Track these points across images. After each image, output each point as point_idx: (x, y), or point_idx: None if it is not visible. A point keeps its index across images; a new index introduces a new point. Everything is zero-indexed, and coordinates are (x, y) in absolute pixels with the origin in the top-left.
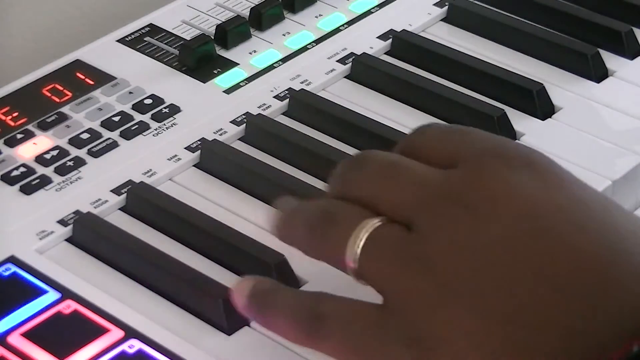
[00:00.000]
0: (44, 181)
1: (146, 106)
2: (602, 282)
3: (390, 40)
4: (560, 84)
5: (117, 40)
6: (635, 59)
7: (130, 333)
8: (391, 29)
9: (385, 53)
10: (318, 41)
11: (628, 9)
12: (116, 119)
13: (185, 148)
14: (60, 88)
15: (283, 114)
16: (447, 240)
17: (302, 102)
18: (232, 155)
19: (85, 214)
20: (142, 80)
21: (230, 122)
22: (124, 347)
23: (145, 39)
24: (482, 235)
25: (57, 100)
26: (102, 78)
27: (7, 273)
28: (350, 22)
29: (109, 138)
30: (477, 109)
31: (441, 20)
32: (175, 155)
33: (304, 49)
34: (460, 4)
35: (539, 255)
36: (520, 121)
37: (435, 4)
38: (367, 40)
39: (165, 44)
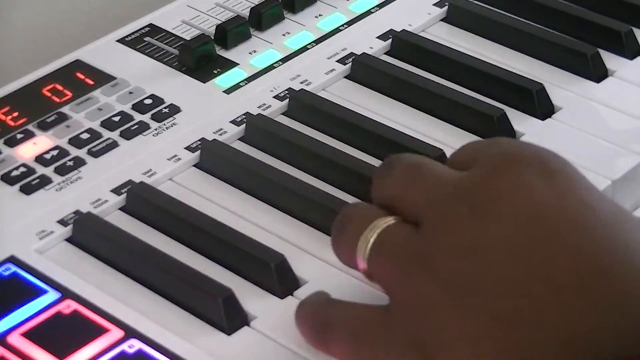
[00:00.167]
0: (44, 181)
1: (146, 106)
2: (605, 289)
3: (390, 40)
4: (560, 84)
5: (117, 40)
6: (635, 59)
7: (130, 333)
8: (391, 29)
9: (385, 53)
10: (318, 41)
11: (628, 9)
12: (116, 119)
13: (185, 148)
14: (60, 88)
15: (283, 114)
16: (450, 241)
17: (302, 102)
18: (232, 156)
19: (85, 214)
20: (142, 80)
21: (230, 122)
22: (124, 347)
23: (145, 39)
24: (485, 237)
25: (57, 100)
26: (102, 78)
27: (7, 273)
28: (350, 22)
29: (109, 138)
30: (477, 109)
31: (441, 20)
32: (175, 155)
33: (303, 49)
34: (460, 4)
35: (541, 259)
36: (520, 121)
37: (435, 4)
38: (367, 40)
39: (165, 44)
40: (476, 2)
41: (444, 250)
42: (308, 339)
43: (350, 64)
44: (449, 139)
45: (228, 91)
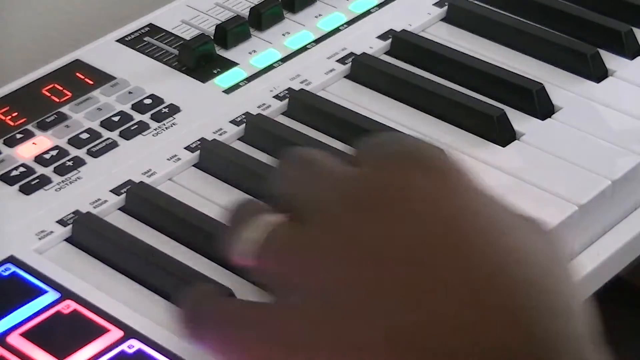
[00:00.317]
0: (44, 181)
1: (146, 106)
2: (474, 296)
3: (389, 40)
4: (560, 84)
5: (117, 40)
6: (635, 59)
7: (130, 333)
8: (391, 29)
9: (385, 53)
10: (318, 41)
11: (628, 9)
12: (116, 119)
13: (185, 148)
14: (60, 88)
15: (283, 113)
16: (325, 240)
17: (301, 102)
18: (231, 155)
19: (85, 214)
20: (141, 80)
21: (230, 122)
22: (124, 347)
23: (145, 39)
24: (360, 235)
25: (57, 100)
26: (102, 78)
27: (6, 273)
28: (350, 22)
29: (109, 138)
30: (477, 108)
31: (441, 20)
32: (175, 155)
33: (303, 48)
34: (460, 4)
35: (418, 258)
36: (519, 121)
37: (435, 4)
38: (366, 40)
39: (164, 44)
40: (476, 2)
41: (319, 249)
42: (183, 330)
43: (350, 63)
44: (449, 139)
45: (228, 91)
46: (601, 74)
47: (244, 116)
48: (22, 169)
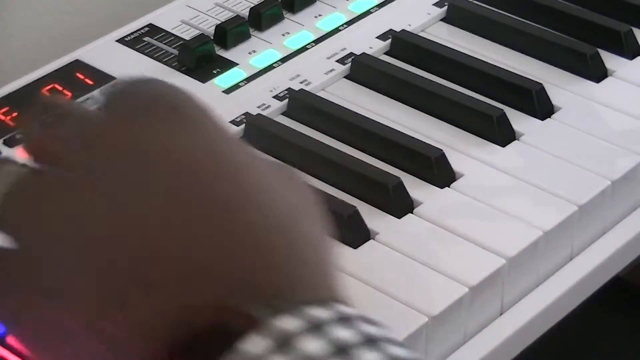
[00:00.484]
0: None
1: None
2: (221, 232)
3: (389, 40)
4: (559, 84)
5: (117, 40)
6: (635, 59)
7: None
8: (390, 29)
9: (384, 53)
10: (317, 41)
11: (628, 9)
12: None
13: None
14: (60, 88)
15: (282, 114)
16: (62, 188)
17: (301, 102)
18: None
19: None
20: None
21: (230, 122)
22: None
23: (144, 39)
24: (94, 183)
25: None
26: (102, 78)
27: None
28: (349, 22)
29: None
30: (477, 108)
31: (441, 20)
32: None
33: (303, 49)
34: (460, 4)
35: (158, 202)
36: (519, 121)
37: (434, 4)
38: (366, 40)
39: (164, 44)
40: (476, 2)
41: (58, 198)
42: None
43: (350, 64)
44: (449, 139)
45: (227, 91)
46: (601, 74)
47: (243, 116)
48: None
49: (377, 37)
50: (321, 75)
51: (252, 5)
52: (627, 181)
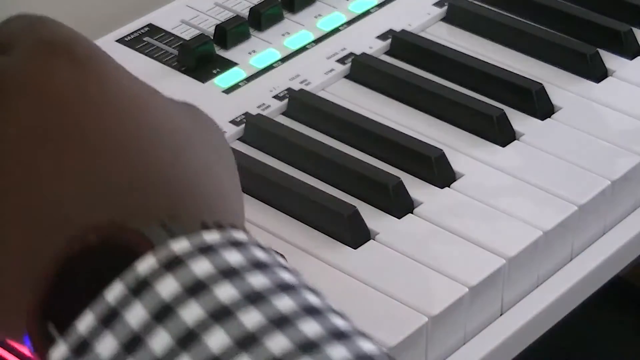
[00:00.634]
0: None
1: None
2: (118, 169)
3: (389, 40)
4: (559, 84)
5: (117, 40)
6: (635, 59)
7: None
8: (390, 29)
9: (384, 53)
10: (317, 41)
11: (628, 9)
12: None
13: None
14: None
15: (282, 114)
16: None
17: (301, 102)
18: None
19: None
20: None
21: (230, 122)
22: None
23: (144, 39)
24: (5, 124)
25: None
26: None
27: None
28: (349, 22)
29: None
30: (477, 108)
31: (441, 20)
32: None
33: (303, 49)
34: (460, 4)
35: (56, 145)
36: (519, 121)
37: (434, 4)
38: (366, 40)
39: (164, 44)
40: (476, 2)
41: None
42: None
43: (350, 64)
44: (449, 139)
45: (227, 91)
46: (601, 74)
47: (243, 116)
48: None
49: (377, 37)
50: (321, 75)
51: (252, 5)
52: (627, 181)
